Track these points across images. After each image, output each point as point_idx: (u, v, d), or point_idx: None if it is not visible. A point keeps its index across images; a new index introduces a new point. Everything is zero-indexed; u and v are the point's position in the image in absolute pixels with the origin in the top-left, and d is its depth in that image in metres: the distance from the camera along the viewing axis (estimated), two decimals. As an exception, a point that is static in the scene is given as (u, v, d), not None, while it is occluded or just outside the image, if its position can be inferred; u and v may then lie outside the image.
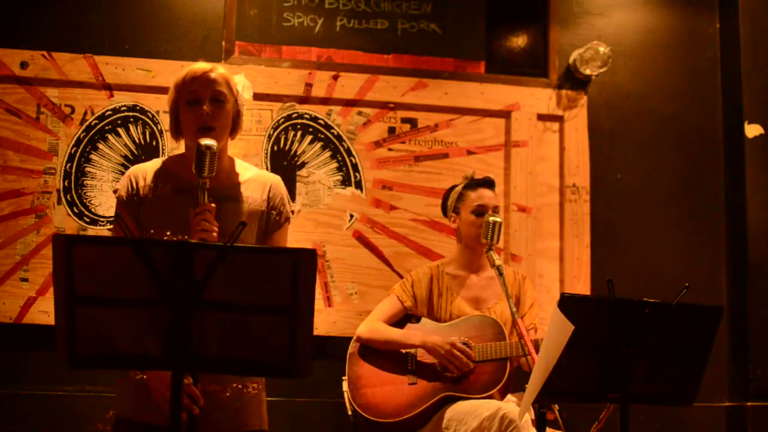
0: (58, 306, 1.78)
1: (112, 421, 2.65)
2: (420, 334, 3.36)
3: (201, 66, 2.64)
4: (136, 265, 1.77)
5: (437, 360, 3.30)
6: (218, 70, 2.65)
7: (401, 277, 3.92)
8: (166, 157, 2.78)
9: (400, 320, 3.47)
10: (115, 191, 2.68)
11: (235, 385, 2.58)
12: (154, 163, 2.71)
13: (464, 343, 3.33)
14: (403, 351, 3.38)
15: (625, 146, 4.50)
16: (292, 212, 2.74)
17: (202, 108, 2.57)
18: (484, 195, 3.48)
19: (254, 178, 2.70)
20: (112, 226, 2.75)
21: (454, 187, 3.59)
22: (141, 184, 2.63)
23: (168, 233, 2.54)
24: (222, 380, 2.56)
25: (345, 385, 3.42)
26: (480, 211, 3.42)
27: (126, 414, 2.57)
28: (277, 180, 2.74)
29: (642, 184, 4.49)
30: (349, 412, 3.38)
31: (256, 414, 2.65)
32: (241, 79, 2.71)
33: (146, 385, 2.49)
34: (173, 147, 3.96)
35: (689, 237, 4.49)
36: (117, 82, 4.07)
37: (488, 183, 3.53)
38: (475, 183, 3.52)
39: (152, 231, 2.58)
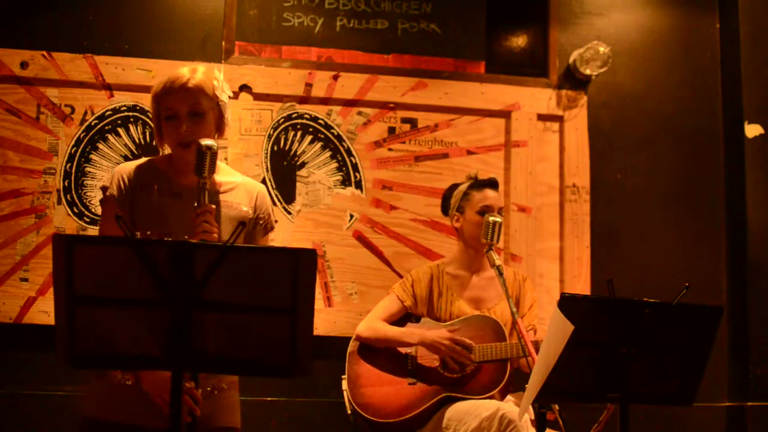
0: (58, 306, 1.78)
1: (79, 422, 2.59)
2: (419, 332, 3.36)
3: (177, 76, 2.57)
4: (136, 265, 1.77)
5: (437, 355, 3.30)
6: (196, 77, 2.58)
7: (401, 277, 3.91)
8: (153, 156, 2.77)
9: (400, 320, 3.47)
10: (104, 189, 2.63)
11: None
12: (142, 162, 2.69)
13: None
14: (403, 351, 3.38)
15: (624, 146, 4.50)
16: (276, 221, 2.82)
17: (181, 125, 2.56)
18: (490, 196, 3.47)
19: (242, 184, 2.72)
20: (99, 225, 2.73)
21: (456, 186, 3.58)
22: (132, 182, 2.61)
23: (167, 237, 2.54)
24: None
25: (345, 384, 3.42)
26: (485, 212, 3.42)
27: (105, 415, 2.53)
28: (263, 190, 2.77)
29: (642, 184, 4.48)
30: (349, 411, 3.38)
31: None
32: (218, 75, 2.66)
33: (127, 386, 2.48)
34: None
35: (689, 237, 4.49)
36: (117, 82, 4.07)
37: (493, 184, 3.52)
38: (480, 183, 3.51)
39: (149, 233, 2.57)
